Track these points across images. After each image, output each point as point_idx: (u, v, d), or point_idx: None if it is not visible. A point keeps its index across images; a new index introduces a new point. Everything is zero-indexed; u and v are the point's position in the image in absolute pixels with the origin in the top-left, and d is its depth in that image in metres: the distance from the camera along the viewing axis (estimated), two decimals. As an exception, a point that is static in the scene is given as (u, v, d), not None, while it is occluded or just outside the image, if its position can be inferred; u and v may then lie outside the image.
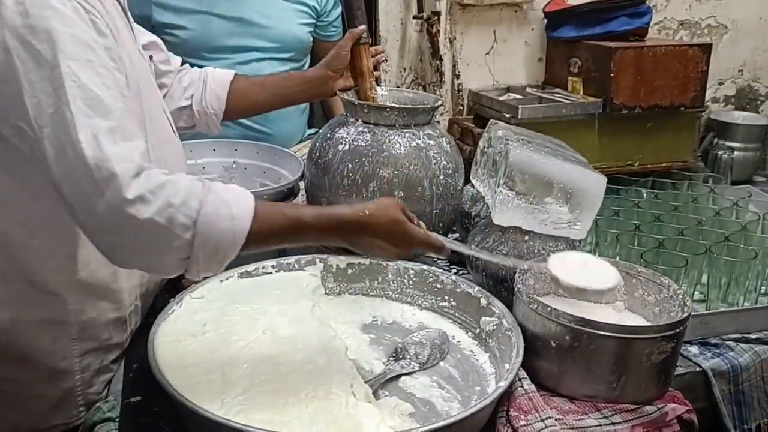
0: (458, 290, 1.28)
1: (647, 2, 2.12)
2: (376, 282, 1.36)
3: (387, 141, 1.36)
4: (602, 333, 1.06)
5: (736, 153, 2.21)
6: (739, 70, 2.54)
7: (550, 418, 1.03)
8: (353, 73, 1.53)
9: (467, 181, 1.49)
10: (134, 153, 0.93)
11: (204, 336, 1.14)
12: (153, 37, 1.46)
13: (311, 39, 2.02)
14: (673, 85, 1.98)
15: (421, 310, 1.33)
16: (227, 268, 1.27)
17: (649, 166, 2.02)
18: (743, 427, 1.25)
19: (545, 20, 2.21)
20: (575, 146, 1.51)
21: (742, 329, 1.31)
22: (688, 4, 2.42)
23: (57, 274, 1.11)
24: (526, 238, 1.31)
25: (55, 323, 1.13)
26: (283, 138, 1.97)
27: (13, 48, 0.92)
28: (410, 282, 1.34)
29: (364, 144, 1.36)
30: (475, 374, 1.16)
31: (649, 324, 1.17)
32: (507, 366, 1.07)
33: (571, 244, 1.34)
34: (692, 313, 1.14)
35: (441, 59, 2.16)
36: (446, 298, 1.30)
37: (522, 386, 1.08)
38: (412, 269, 1.34)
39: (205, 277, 1.17)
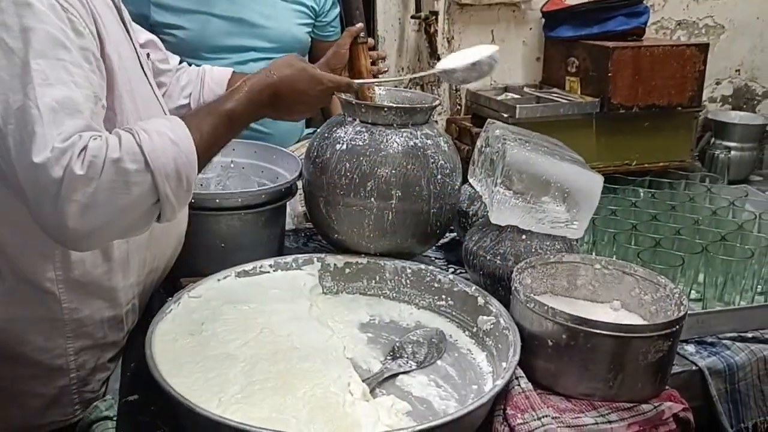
0: (455, 289, 1.28)
1: (645, 2, 2.12)
2: (373, 281, 1.36)
3: (385, 140, 1.36)
4: (599, 332, 1.06)
5: (733, 152, 2.21)
6: (737, 70, 2.55)
7: (546, 416, 1.04)
8: (351, 72, 1.53)
9: (465, 180, 1.49)
10: (82, 137, 0.93)
11: (201, 335, 1.15)
12: (151, 36, 1.46)
13: (309, 39, 2.02)
14: (671, 85, 1.99)
15: (418, 309, 1.33)
16: (226, 267, 1.29)
17: (646, 165, 2.03)
18: (739, 425, 1.26)
19: (543, 20, 2.22)
20: (572, 146, 1.51)
21: (738, 328, 1.32)
22: (686, 4, 2.42)
23: (51, 273, 1.11)
24: (524, 237, 1.32)
25: (50, 321, 1.13)
26: (281, 137, 1.97)
27: None
28: (408, 281, 1.34)
29: (361, 143, 1.36)
30: (472, 373, 1.16)
31: (645, 323, 1.18)
32: (504, 364, 1.08)
33: (569, 243, 1.34)
34: (689, 312, 1.14)
35: (439, 59, 2.16)
36: (443, 297, 1.30)
37: (519, 385, 1.08)
38: (410, 269, 1.34)
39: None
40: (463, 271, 1.45)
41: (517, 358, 1.06)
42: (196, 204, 1.34)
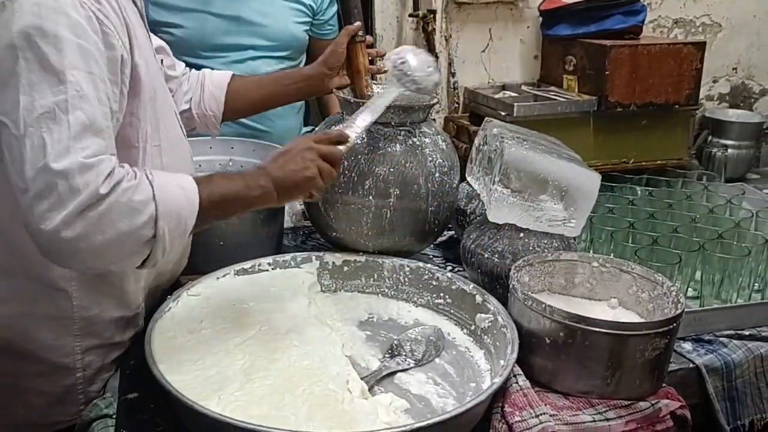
0: (454, 287, 1.29)
1: (642, 0, 2.13)
2: (372, 279, 1.37)
3: (383, 139, 1.37)
4: (596, 329, 1.07)
5: (730, 150, 2.22)
6: (733, 68, 2.55)
7: (544, 414, 1.04)
8: (349, 71, 1.53)
9: (463, 178, 1.50)
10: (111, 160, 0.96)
11: (200, 333, 1.15)
12: (160, 42, 1.46)
13: (307, 37, 2.02)
14: (668, 83, 1.99)
15: (416, 307, 1.33)
16: (225, 266, 1.29)
17: (643, 163, 2.03)
18: (736, 422, 1.26)
19: (540, 18, 2.22)
20: (570, 144, 1.52)
21: (735, 326, 1.32)
22: (683, 3, 2.43)
23: (64, 271, 1.11)
24: (521, 235, 1.32)
25: (59, 319, 1.13)
26: (280, 136, 1.97)
27: (19, 47, 0.93)
28: (406, 279, 1.34)
29: (359, 142, 1.36)
30: (471, 370, 1.17)
31: (642, 320, 1.18)
32: (502, 362, 1.08)
33: (566, 241, 1.34)
34: (686, 310, 1.15)
35: (437, 57, 2.16)
36: (442, 295, 1.31)
37: (517, 382, 1.09)
38: (408, 267, 1.34)
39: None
40: (461, 269, 1.45)
41: (515, 355, 1.07)
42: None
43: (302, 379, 1.06)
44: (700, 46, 2.02)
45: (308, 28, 2.00)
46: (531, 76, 2.32)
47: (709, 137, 2.29)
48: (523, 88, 2.22)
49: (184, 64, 1.56)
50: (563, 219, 1.31)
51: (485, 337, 1.20)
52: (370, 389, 1.09)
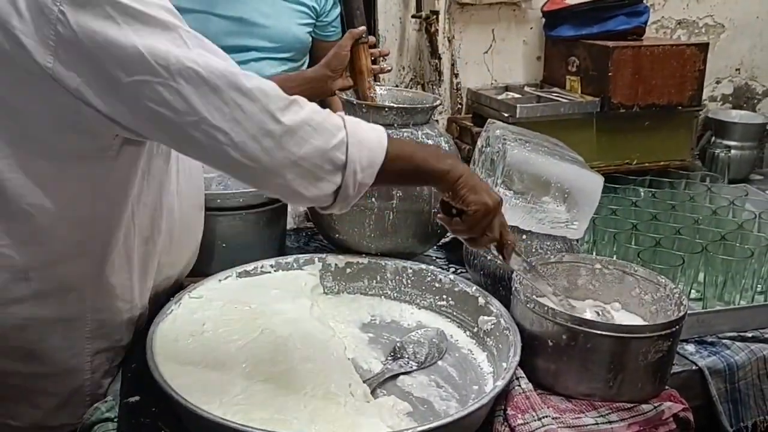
0: (456, 289, 1.29)
1: (645, 1, 2.13)
2: (374, 281, 1.36)
3: (385, 140, 1.36)
4: (599, 332, 1.07)
5: (733, 152, 2.21)
6: (737, 69, 2.55)
7: (547, 416, 1.04)
8: (352, 72, 1.53)
9: (465, 180, 1.49)
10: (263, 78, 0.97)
11: (203, 335, 1.15)
12: None
13: (310, 39, 2.02)
14: (671, 84, 1.99)
15: (419, 309, 1.33)
16: (227, 267, 1.29)
17: (646, 164, 2.03)
18: (739, 425, 1.26)
19: (543, 19, 2.22)
20: (573, 145, 1.52)
21: (738, 328, 1.32)
22: (686, 3, 2.43)
23: (83, 272, 1.10)
24: (524, 237, 1.32)
25: (71, 321, 1.13)
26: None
27: (115, 14, 0.90)
28: (408, 281, 1.34)
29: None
30: (473, 373, 1.17)
31: (645, 323, 1.18)
32: (504, 365, 1.08)
33: (569, 243, 1.34)
34: (689, 312, 1.15)
35: (440, 58, 2.16)
36: (444, 297, 1.30)
37: (519, 385, 1.08)
38: (411, 268, 1.34)
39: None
40: (464, 271, 1.45)
41: (517, 358, 1.07)
42: (197, 204, 1.34)
43: (304, 382, 1.05)
44: (703, 47, 2.02)
45: (311, 29, 2.00)
46: (534, 77, 2.32)
47: (712, 138, 2.29)
48: (526, 89, 2.21)
49: None
50: (566, 221, 1.31)
51: (488, 339, 1.20)
52: (373, 392, 1.08)
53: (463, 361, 1.20)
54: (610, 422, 1.06)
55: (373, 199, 1.34)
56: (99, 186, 1.05)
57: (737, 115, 2.38)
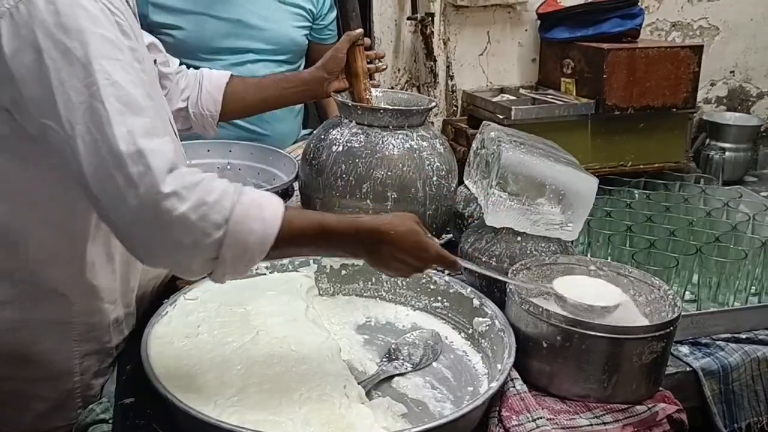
0: (451, 291, 1.29)
1: (639, 4, 2.13)
2: (369, 283, 1.37)
3: (381, 142, 1.37)
4: (593, 333, 1.07)
5: (727, 153, 2.22)
6: (731, 71, 2.56)
7: (541, 418, 1.04)
8: (348, 74, 1.54)
9: (461, 182, 1.50)
10: (167, 149, 0.93)
11: (198, 337, 1.15)
12: (152, 39, 1.46)
13: (307, 42, 2.02)
14: (665, 86, 1.99)
15: (414, 310, 1.33)
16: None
17: (641, 166, 2.03)
18: (733, 426, 1.26)
19: (538, 21, 2.22)
20: (568, 147, 1.52)
21: (732, 329, 1.32)
22: (680, 6, 2.43)
23: (65, 275, 1.11)
24: (519, 239, 1.32)
25: (60, 324, 1.13)
26: (278, 139, 1.97)
27: (44, 48, 0.92)
28: (403, 283, 1.34)
29: (357, 145, 1.37)
30: (468, 374, 1.17)
31: (639, 324, 1.18)
32: (499, 366, 1.08)
33: (564, 245, 1.35)
34: (683, 313, 1.15)
35: (435, 60, 2.16)
36: (439, 298, 1.31)
37: (514, 386, 1.09)
38: (406, 270, 1.34)
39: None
40: (459, 272, 1.45)
41: (512, 359, 1.07)
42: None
43: (299, 384, 1.05)
44: (698, 50, 2.02)
45: (308, 32, 2.01)
46: (529, 79, 2.32)
47: (707, 140, 2.29)
48: (521, 91, 2.22)
49: (177, 61, 1.56)
50: (560, 223, 1.31)
51: (483, 340, 1.20)
52: (368, 393, 1.08)
53: (457, 363, 1.20)
54: (604, 423, 1.07)
55: (368, 201, 1.35)
56: (67, 189, 1.04)
57: (731, 117, 2.38)
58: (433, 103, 1.49)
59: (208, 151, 1.73)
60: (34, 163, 1.03)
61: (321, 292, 1.36)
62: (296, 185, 1.55)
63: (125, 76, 0.94)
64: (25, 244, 1.08)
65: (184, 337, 1.14)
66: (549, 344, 1.10)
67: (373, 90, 1.54)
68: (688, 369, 1.24)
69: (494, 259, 1.31)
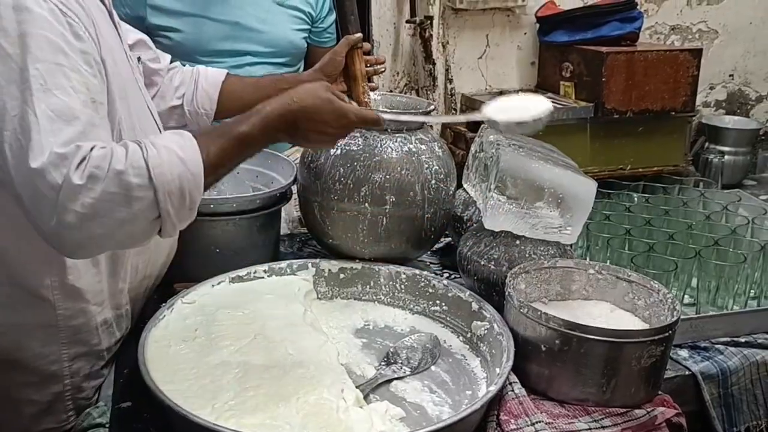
0: (450, 294, 1.29)
1: (639, 7, 2.13)
2: (368, 286, 1.36)
3: (379, 145, 1.37)
4: (592, 337, 1.07)
5: (726, 157, 2.22)
6: (730, 75, 2.56)
7: (540, 422, 1.04)
8: (346, 78, 1.53)
9: (459, 185, 1.50)
10: (88, 147, 0.92)
11: (195, 341, 1.14)
12: (141, 35, 1.45)
13: (306, 45, 2.02)
14: (664, 90, 2.00)
15: (412, 314, 1.33)
16: (220, 273, 1.29)
17: (640, 170, 2.04)
18: (732, 430, 1.26)
19: (537, 25, 2.23)
20: (567, 150, 1.52)
21: (731, 333, 1.32)
22: (679, 9, 2.44)
23: (47, 279, 1.11)
24: (518, 242, 1.32)
25: (45, 327, 1.13)
26: (276, 142, 1.96)
27: None
28: (402, 286, 1.34)
29: (356, 148, 1.36)
30: (466, 378, 1.16)
31: (638, 328, 1.18)
32: (498, 370, 1.08)
33: (562, 249, 1.34)
34: (682, 317, 1.15)
35: (434, 63, 2.17)
36: (438, 302, 1.30)
37: (512, 390, 1.08)
38: (404, 274, 1.34)
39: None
40: (458, 276, 1.45)
41: (510, 363, 1.07)
42: (191, 209, 1.34)
43: (297, 388, 1.05)
44: (697, 53, 2.03)
45: (307, 35, 2.01)
46: (528, 82, 2.32)
47: (706, 144, 2.30)
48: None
49: (169, 57, 1.55)
50: (559, 226, 1.31)
51: (481, 344, 1.20)
52: (366, 397, 1.08)
53: (456, 367, 1.19)
54: (603, 427, 1.06)
55: (367, 205, 1.34)
56: None
57: (730, 121, 2.39)
58: (432, 107, 1.48)
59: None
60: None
61: (319, 296, 1.36)
62: (294, 188, 1.54)
63: (62, 82, 0.93)
64: (4, 253, 1.08)
65: (182, 341, 1.13)
66: (547, 348, 1.09)
67: (371, 93, 1.54)
68: (687, 373, 1.24)
69: (493, 263, 1.31)
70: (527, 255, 1.31)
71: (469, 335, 1.24)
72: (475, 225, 1.46)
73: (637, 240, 1.47)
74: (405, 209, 1.36)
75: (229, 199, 1.42)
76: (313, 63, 1.65)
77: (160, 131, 1.29)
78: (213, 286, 1.27)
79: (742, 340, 1.31)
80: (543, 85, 2.23)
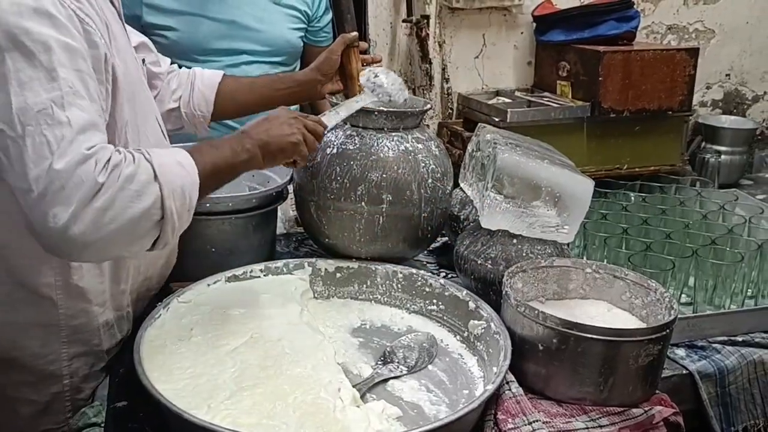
0: (447, 294, 1.28)
1: (635, 6, 2.13)
2: (364, 286, 1.36)
3: (375, 144, 1.36)
4: (589, 335, 1.06)
5: (723, 156, 2.22)
6: (727, 74, 2.56)
7: (537, 421, 1.03)
8: (342, 76, 1.53)
9: (456, 184, 1.49)
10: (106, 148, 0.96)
11: (191, 340, 1.14)
12: (143, 38, 1.45)
13: (302, 44, 2.01)
14: (661, 89, 2.00)
15: (409, 313, 1.33)
16: (216, 272, 1.28)
17: (636, 169, 2.04)
18: (730, 429, 1.26)
19: (534, 24, 2.23)
20: (563, 150, 1.52)
21: (728, 332, 1.32)
22: (676, 9, 2.44)
23: (50, 278, 1.10)
24: (515, 241, 1.32)
25: (46, 326, 1.12)
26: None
27: (5, 47, 0.92)
28: (399, 286, 1.34)
29: (352, 147, 1.36)
30: (463, 377, 1.16)
31: (635, 327, 1.18)
32: (495, 369, 1.07)
33: (559, 248, 1.34)
34: (679, 316, 1.15)
35: (430, 63, 2.16)
36: (435, 301, 1.30)
37: (510, 389, 1.08)
38: (401, 273, 1.34)
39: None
40: (455, 275, 1.44)
41: (507, 362, 1.06)
42: (186, 208, 1.33)
43: (293, 387, 1.05)
44: (693, 53, 2.03)
45: (303, 34, 2.00)
46: (524, 82, 2.32)
47: (703, 143, 2.30)
48: (517, 94, 2.22)
49: (169, 61, 1.55)
50: (556, 225, 1.31)
51: (478, 343, 1.20)
52: (362, 396, 1.08)
53: (453, 366, 1.19)
54: (600, 426, 1.06)
55: (363, 204, 1.34)
56: None
57: (727, 121, 2.39)
58: (428, 106, 1.48)
59: (203, 153, 1.71)
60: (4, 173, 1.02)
61: (316, 295, 1.35)
62: (290, 188, 1.54)
63: (84, 89, 0.96)
64: (6, 251, 1.07)
65: (177, 340, 1.13)
66: (545, 347, 1.09)
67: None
68: (684, 372, 1.24)
69: (490, 262, 1.31)
70: (524, 254, 1.31)
71: (466, 334, 1.23)
72: (471, 224, 1.46)
73: (634, 239, 1.47)
74: (402, 208, 1.35)
75: (225, 198, 1.41)
76: (309, 62, 1.64)
77: (163, 133, 1.30)
78: (209, 285, 1.27)
79: (740, 339, 1.31)
80: (539, 85, 2.23)
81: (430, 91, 2.20)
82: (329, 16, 2.03)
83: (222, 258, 1.38)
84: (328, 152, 1.37)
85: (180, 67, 1.58)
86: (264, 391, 1.04)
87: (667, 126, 2.05)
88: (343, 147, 1.36)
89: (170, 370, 1.05)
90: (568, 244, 1.37)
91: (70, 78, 0.94)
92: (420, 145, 1.39)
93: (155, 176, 0.97)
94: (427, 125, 2.14)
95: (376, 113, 1.38)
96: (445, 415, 1.04)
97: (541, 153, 1.39)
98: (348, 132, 1.38)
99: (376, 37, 2.17)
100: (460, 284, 1.32)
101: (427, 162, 1.38)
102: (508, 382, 1.09)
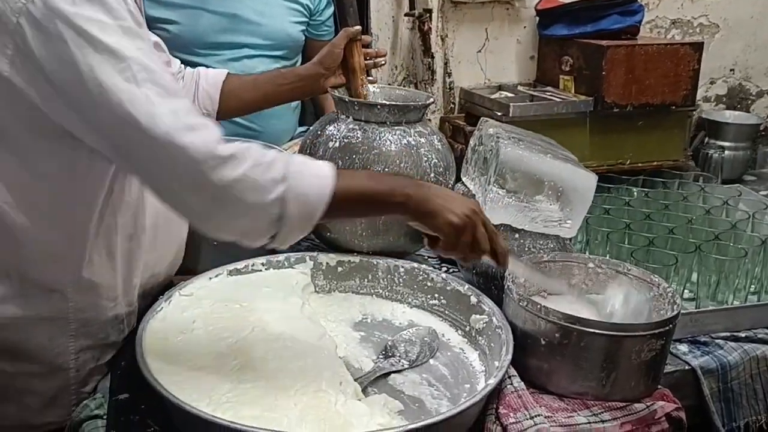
0: (448, 288, 1.28)
1: (639, 1, 2.12)
2: (366, 280, 1.36)
3: (378, 138, 1.36)
4: (592, 330, 1.06)
5: (726, 152, 2.21)
6: (731, 69, 2.55)
7: (539, 415, 1.03)
8: (345, 70, 1.53)
9: (458, 179, 1.49)
10: (211, 123, 0.96)
11: (193, 333, 1.14)
12: (155, 37, 1.45)
13: (303, 38, 2.01)
14: (665, 84, 1.99)
15: (411, 307, 1.32)
16: (218, 265, 1.28)
17: (639, 164, 2.03)
18: (732, 424, 1.25)
19: (537, 18, 2.22)
20: (566, 144, 1.51)
21: (731, 327, 1.32)
22: (680, 3, 2.43)
23: (60, 272, 1.10)
24: (517, 236, 1.32)
25: (55, 320, 1.12)
26: (275, 136, 1.96)
27: (69, 37, 0.91)
28: (400, 280, 1.34)
29: (354, 141, 1.36)
30: (465, 372, 1.16)
31: (638, 322, 1.17)
32: (496, 364, 1.07)
33: (562, 242, 1.34)
34: (682, 311, 1.14)
35: (433, 57, 2.16)
36: (436, 296, 1.30)
37: (511, 384, 1.08)
38: (403, 267, 1.33)
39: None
40: (456, 269, 1.44)
41: (509, 357, 1.06)
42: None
43: (295, 381, 1.04)
44: (698, 47, 2.02)
45: (305, 28, 2.00)
46: (527, 76, 2.31)
47: (706, 138, 2.29)
48: (520, 88, 2.21)
49: (179, 62, 1.55)
50: (559, 220, 1.30)
51: (480, 338, 1.19)
52: (364, 390, 1.08)
53: (454, 360, 1.19)
54: (602, 421, 1.06)
55: (366, 197, 1.34)
56: (71, 187, 1.05)
57: (731, 116, 2.38)
58: (431, 100, 1.47)
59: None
60: (35, 162, 1.03)
61: (317, 289, 1.35)
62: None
63: (152, 64, 0.95)
64: (21, 242, 1.07)
65: (179, 333, 1.13)
66: (547, 341, 1.09)
67: (370, 86, 1.53)
68: (686, 367, 1.23)
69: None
70: (526, 248, 1.31)
71: (467, 329, 1.23)
72: (474, 218, 1.46)
73: (637, 234, 1.46)
74: (404, 202, 1.35)
75: (227, 192, 1.40)
76: (311, 57, 1.64)
77: None
78: (211, 278, 1.26)
79: (742, 334, 1.31)
80: (542, 79, 2.22)
81: (432, 86, 2.19)
82: (331, 9, 2.03)
83: (223, 251, 1.37)
84: (330, 146, 1.37)
85: (182, 62, 1.58)
86: (265, 384, 1.04)
87: (671, 121, 2.04)
88: (346, 140, 1.36)
89: (172, 362, 1.05)
90: (570, 239, 1.36)
91: (135, 56, 0.93)
92: (422, 140, 1.39)
93: (284, 178, 0.95)
94: (430, 119, 2.13)
95: (378, 107, 1.37)
96: (446, 409, 1.04)
97: (544, 147, 1.39)
98: (350, 125, 1.38)
99: (378, 31, 2.16)
100: (462, 279, 1.32)
101: (430, 156, 1.38)
102: (509, 377, 1.09)
